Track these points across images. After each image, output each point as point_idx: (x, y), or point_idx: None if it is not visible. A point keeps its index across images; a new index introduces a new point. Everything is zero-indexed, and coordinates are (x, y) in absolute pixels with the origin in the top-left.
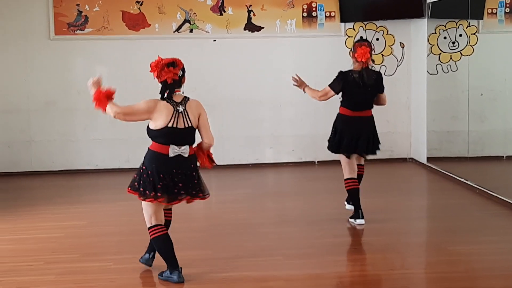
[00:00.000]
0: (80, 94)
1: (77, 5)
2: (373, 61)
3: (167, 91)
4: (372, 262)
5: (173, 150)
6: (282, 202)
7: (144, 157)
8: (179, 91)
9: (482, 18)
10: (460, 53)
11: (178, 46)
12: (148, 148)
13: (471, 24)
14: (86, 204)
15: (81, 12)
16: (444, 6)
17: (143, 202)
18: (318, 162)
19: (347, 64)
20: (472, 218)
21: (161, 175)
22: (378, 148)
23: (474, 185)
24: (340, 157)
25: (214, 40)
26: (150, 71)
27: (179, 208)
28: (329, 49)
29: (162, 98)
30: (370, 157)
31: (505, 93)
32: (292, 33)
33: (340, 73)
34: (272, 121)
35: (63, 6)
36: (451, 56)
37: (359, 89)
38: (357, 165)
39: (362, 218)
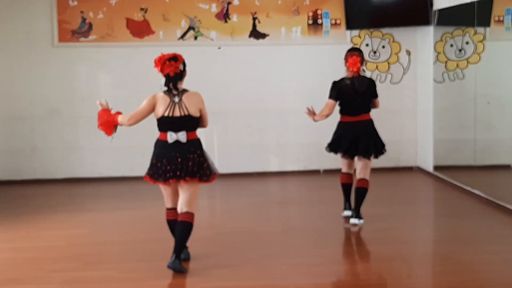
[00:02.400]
0: (84, 102)
1: (81, 12)
2: (364, 70)
3: (171, 83)
4: (378, 271)
5: (171, 137)
6: (287, 211)
7: (154, 146)
8: (181, 84)
9: (489, 26)
10: (467, 61)
11: (183, 53)
12: (157, 138)
13: (477, 32)
14: (89, 212)
15: (85, 19)
16: (451, 14)
17: (161, 188)
18: (323, 170)
19: None
20: (479, 228)
21: (161, 159)
22: (382, 151)
23: (481, 194)
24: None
25: (219, 48)
26: (154, 66)
27: None
28: (334, 57)
29: (165, 90)
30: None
31: None
32: (298, 41)
33: (333, 82)
34: (277, 129)
35: (67, 13)
36: (457, 64)
37: (353, 95)
38: (361, 179)
39: (350, 209)
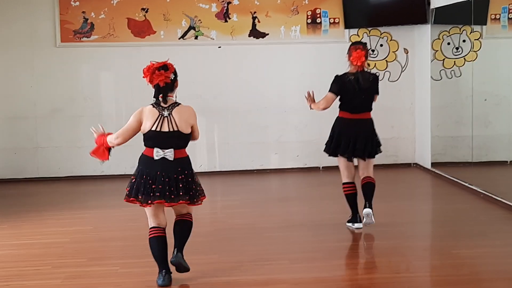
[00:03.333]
0: (86, 101)
1: (83, 12)
2: (368, 64)
3: (161, 95)
4: (377, 265)
5: (157, 153)
6: (287, 207)
7: (138, 162)
8: (172, 95)
9: (485, 24)
10: (464, 58)
11: (183, 52)
12: (142, 153)
13: (474, 30)
14: (91, 209)
15: (87, 19)
16: (448, 12)
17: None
18: (322, 167)
19: None
20: (477, 222)
21: (144, 176)
22: (377, 152)
23: (478, 189)
24: (339, 160)
25: (219, 47)
26: (143, 77)
27: None
28: (333, 55)
29: (154, 102)
30: (375, 161)
31: (509, 98)
32: (297, 40)
33: (336, 76)
34: (277, 127)
35: (69, 14)
36: (454, 61)
37: (355, 92)
38: (366, 177)
39: (360, 222)
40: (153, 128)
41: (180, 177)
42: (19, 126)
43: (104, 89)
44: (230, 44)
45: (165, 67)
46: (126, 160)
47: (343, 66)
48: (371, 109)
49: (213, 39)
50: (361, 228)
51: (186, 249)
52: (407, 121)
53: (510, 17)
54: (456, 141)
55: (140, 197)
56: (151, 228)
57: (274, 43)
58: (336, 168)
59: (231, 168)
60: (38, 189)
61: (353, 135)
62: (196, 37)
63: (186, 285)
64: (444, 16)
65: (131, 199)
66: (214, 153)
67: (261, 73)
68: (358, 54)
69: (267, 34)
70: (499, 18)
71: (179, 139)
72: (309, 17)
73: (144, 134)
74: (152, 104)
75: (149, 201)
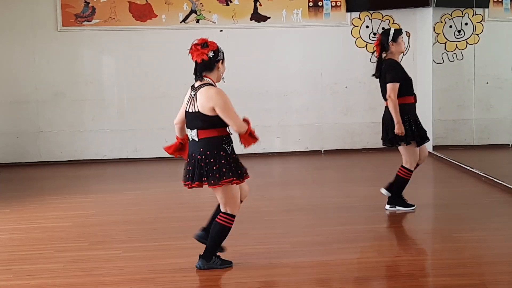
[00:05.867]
0: (88, 85)
1: None
2: (389, 51)
3: (197, 72)
4: (378, 249)
5: (188, 134)
6: (289, 191)
7: None
8: (209, 76)
9: (487, 7)
10: (466, 41)
11: (185, 36)
12: None
13: (476, 13)
14: (94, 193)
15: (88, 3)
16: None
17: None
18: (324, 151)
19: (353, 53)
20: (478, 206)
21: (188, 158)
22: (399, 139)
23: (480, 173)
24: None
25: (221, 31)
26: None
27: (186, 197)
28: (335, 39)
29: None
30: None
31: (511, 82)
32: (298, 23)
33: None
34: (278, 111)
35: None
36: (456, 44)
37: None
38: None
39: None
40: (186, 109)
41: (202, 156)
42: (21, 111)
43: (105, 73)
44: (231, 28)
45: (204, 44)
46: (128, 144)
47: (345, 49)
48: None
49: (215, 22)
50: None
51: (188, 234)
52: None
53: None
54: (458, 125)
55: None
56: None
57: (276, 27)
58: (337, 151)
59: None
60: (41, 174)
61: (383, 122)
62: (197, 21)
63: (186, 269)
64: None
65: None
66: None
67: (262, 56)
68: (375, 42)
69: (269, 18)
70: (502, 1)
71: (202, 120)
72: (310, 0)
73: None
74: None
75: (187, 183)
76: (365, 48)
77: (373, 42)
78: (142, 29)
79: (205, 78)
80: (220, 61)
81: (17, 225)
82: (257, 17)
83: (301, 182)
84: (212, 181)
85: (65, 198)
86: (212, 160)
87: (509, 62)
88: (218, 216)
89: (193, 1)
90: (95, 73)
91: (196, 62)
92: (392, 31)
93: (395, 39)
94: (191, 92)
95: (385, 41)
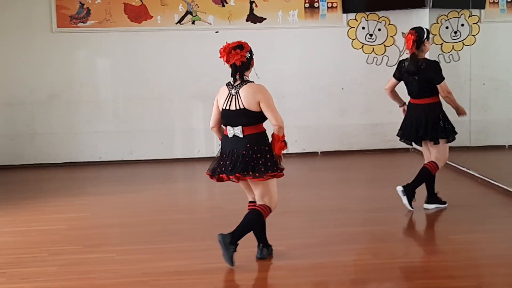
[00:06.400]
0: (83, 87)
1: None
2: (421, 48)
3: (237, 74)
4: (374, 251)
5: (229, 131)
6: (285, 193)
7: None
8: (248, 75)
9: (484, 8)
10: (462, 42)
11: (181, 38)
12: None
13: (473, 14)
14: (89, 196)
15: (83, 4)
16: None
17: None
18: (321, 152)
19: (349, 54)
20: (474, 207)
21: (222, 154)
22: (440, 136)
23: (476, 174)
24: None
25: (216, 32)
26: (220, 57)
27: (181, 199)
28: (331, 40)
29: (228, 82)
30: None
31: (508, 83)
32: (294, 24)
33: (399, 61)
34: None
35: None
36: (453, 46)
37: (408, 77)
38: (427, 162)
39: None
40: (224, 107)
41: (246, 152)
42: (16, 113)
43: (101, 75)
44: (227, 29)
45: (240, 46)
46: (123, 146)
47: (341, 51)
48: (427, 95)
49: (211, 24)
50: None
51: (183, 236)
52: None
53: (509, 0)
54: (454, 126)
55: (217, 172)
56: (249, 202)
57: (272, 28)
58: (334, 153)
59: None
60: (36, 176)
61: (414, 120)
62: (193, 22)
63: (181, 272)
64: (443, 0)
65: (207, 173)
66: (212, 138)
67: (259, 58)
68: (407, 38)
69: (265, 19)
70: (498, 2)
71: (247, 117)
72: (307, 1)
73: (220, 113)
74: (227, 84)
75: (230, 176)
76: (361, 49)
77: (369, 43)
78: (137, 30)
79: (245, 77)
80: (253, 59)
81: (11, 227)
82: (253, 18)
83: (297, 183)
84: (257, 174)
85: (60, 200)
86: (258, 155)
87: (506, 63)
88: (257, 205)
89: (188, 2)
90: (90, 75)
91: (234, 64)
92: (426, 30)
93: (428, 37)
94: (229, 91)
95: (422, 38)
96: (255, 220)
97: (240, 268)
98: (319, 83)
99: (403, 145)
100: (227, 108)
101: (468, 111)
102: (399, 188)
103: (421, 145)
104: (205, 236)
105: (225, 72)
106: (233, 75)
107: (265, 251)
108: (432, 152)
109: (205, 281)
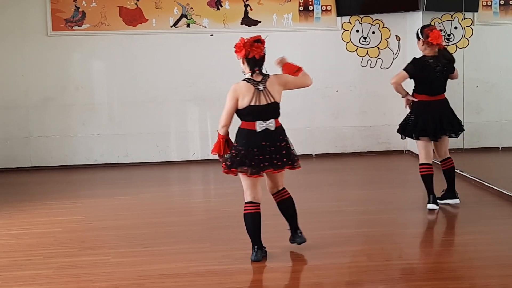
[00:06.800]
0: (78, 90)
1: (74, 1)
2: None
3: (257, 68)
4: (369, 253)
5: (259, 125)
6: None
7: (236, 136)
8: (260, 69)
9: (477, 11)
10: (456, 45)
11: (175, 41)
12: (238, 127)
13: (466, 17)
14: (84, 199)
15: (78, 8)
16: None
17: (241, 179)
18: (315, 155)
19: (343, 57)
20: (468, 209)
21: (251, 149)
22: (462, 128)
23: (469, 176)
24: (420, 143)
25: (211, 35)
26: (235, 52)
27: (176, 202)
28: (325, 43)
29: (245, 78)
30: (367, 148)
31: (500, 85)
32: (289, 27)
33: (414, 59)
34: None
35: (60, 2)
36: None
37: (435, 74)
38: (444, 160)
39: (433, 203)
40: (252, 103)
41: (281, 144)
42: (11, 116)
43: (96, 78)
44: (222, 32)
45: (259, 40)
46: (118, 149)
47: (335, 53)
48: (445, 90)
49: (205, 27)
50: (435, 209)
51: (179, 238)
52: (399, 108)
53: (502, 3)
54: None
55: (245, 168)
56: (246, 203)
57: (267, 31)
58: (328, 155)
59: None
60: (31, 179)
61: (438, 116)
62: (188, 25)
63: (176, 274)
64: (436, 3)
65: (232, 169)
66: (207, 141)
67: None
68: (435, 33)
69: (260, 22)
70: (491, 5)
71: (276, 110)
72: (301, 4)
73: (242, 110)
74: (246, 79)
75: (261, 172)
76: (355, 52)
77: (363, 46)
78: (132, 33)
79: (256, 72)
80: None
81: (6, 230)
82: (248, 21)
83: (291, 186)
84: (296, 164)
85: (55, 203)
86: (289, 145)
87: (499, 65)
88: (286, 192)
89: (183, 5)
90: (85, 78)
91: (254, 57)
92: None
93: None
94: (255, 87)
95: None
96: (294, 205)
97: (234, 270)
98: (313, 85)
99: (397, 147)
100: (257, 103)
101: (462, 113)
102: (436, 204)
103: (437, 141)
104: (201, 239)
105: (221, 75)
106: (251, 68)
107: (299, 234)
108: (445, 147)
109: (200, 284)
